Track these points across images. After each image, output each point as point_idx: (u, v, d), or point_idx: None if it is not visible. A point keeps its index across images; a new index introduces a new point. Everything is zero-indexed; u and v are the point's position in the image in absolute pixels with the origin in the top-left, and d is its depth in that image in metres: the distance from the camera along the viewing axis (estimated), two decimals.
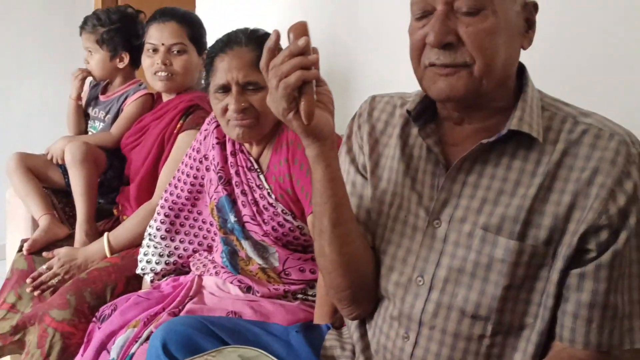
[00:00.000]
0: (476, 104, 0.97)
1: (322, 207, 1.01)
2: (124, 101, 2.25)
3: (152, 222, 1.75)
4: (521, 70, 1.02)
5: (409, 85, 1.94)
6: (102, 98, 2.33)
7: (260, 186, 1.54)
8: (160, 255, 1.71)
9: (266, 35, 1.54)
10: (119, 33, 2.21)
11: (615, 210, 0.90)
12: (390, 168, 1.09)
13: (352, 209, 1.08)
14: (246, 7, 2.63)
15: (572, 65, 1.61)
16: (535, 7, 0.98)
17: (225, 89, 1.48)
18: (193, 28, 2.02)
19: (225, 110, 1.48)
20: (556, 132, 0.97)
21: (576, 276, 0.93)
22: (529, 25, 0.98)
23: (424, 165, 1.05)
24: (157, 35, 1.98)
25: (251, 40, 1.49)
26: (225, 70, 1.47)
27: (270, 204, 1.52)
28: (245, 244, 1.55)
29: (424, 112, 1.05)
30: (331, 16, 2.26)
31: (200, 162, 1.68)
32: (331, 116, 0.96)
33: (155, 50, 1.99)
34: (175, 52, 1.98)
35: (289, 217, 1.51)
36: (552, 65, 1.60)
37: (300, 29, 0.89)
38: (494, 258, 0.95)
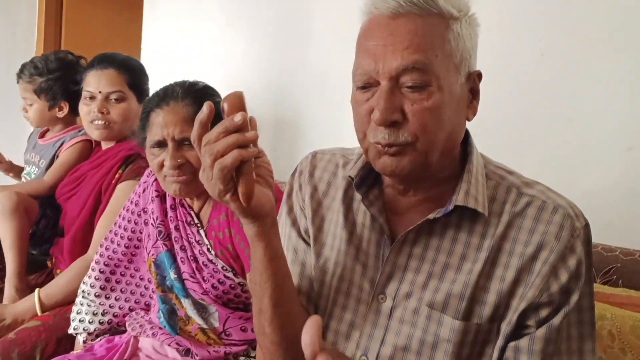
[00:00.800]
0: (422, 177, 0.95)
1: (262, 286, 0.95)
2: (59, 147, 2.16)
3: (86, 279, 1.66)
4: (465, 135, 1.00)
5: (351, 132, 1.96)
6: (40, 142, 2.25)
7: (200, 242, 1.48)
8: (94, 314, 1.62)
9: (205, 89, 1.51)
10: (58, 82, 2.15)
11: (556, 288, 0.89)
12: (334, 234, 1.04)
13: (294, 278, 1.03)
14: (192, 53, 2.61)
15: (510, 120, 1.64)
16: (479, 76, 0.96)
17: (161, 144, 1.44)
18: (133, 75, 1.97)
19: (161, 165, 1.44)
20: (500, 204, 0.95)
21: (512, 349, 0.91)
22: (473, 95, 0.96)
23: (368, 234, 1.01)
24: (94, 83, 1.92)
25: (188, 95, 1.45)
26: (160, 125, 1.43)
27: (210, 261, 1.46)
28: (185, 303, 1.49)
29: (367, 177, 1.02)
30: (280, 66, 2.27)
31: (139, 215, 1.62)
32: (271, 190, 0.91)
33: (92, 98, 1.94)
34: (113, 100, 1.93)
35: (230, 274, 1.45)
36: (493, 121, 1.63)
37: (236, 102, 0.82)
38: (440, 337, 0.92)
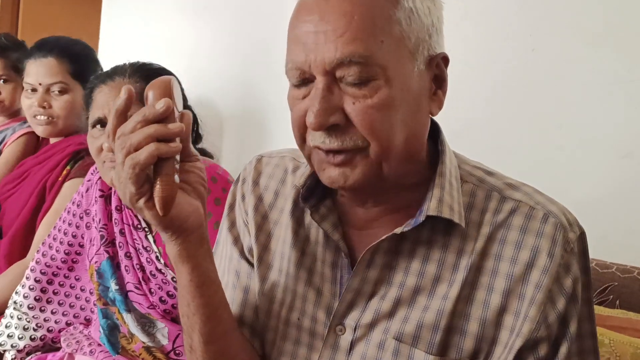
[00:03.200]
0: (380, 188, 0.79)
1: (190, 319, 0.79)
2: (2, 142, 1.97)
3: (19, 288, 1.47)
4: (435, 131, 0.84)
5: None
6: None
7: (148, 248, 1.31)
8: (25, 329, 1.43)
9: (160, 70, 1.36)
10: None
11: (554, 318, 0.76)
12: (282, 255, 0.87)
13: (235, 306, 0.87)
14: (155, 44, 2.45)
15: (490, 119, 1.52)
16: (444, 59, 0.78)
17: (101, 123, 1.28)
18: (77, 62, 1.78)
19: (100, 149, 1.27)
20: (480, 212, 0.80)
21: None
22: (438, 83, 0.79)
23: (322, 253, 0.84)
24: (34, 74, 1.76)
25: (137, 72, 1.30)
26: (102, 103, 1.27)
27: (159, 270, 1.29)
28: (128, 318, 1.31)
29: (317, 186, 0.83)
30: (246, 59, 2.14)
31: (81, 217, 1.44)
32: (201, 201, 0.75)
33: (34, 91, 1.76)
34: (55, 92, 1.76)
35: None
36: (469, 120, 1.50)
37: (162, 88, 0.69)
38: None
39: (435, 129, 0.84)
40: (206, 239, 0.78)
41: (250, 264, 0.91)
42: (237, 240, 0.93)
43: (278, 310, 0.86)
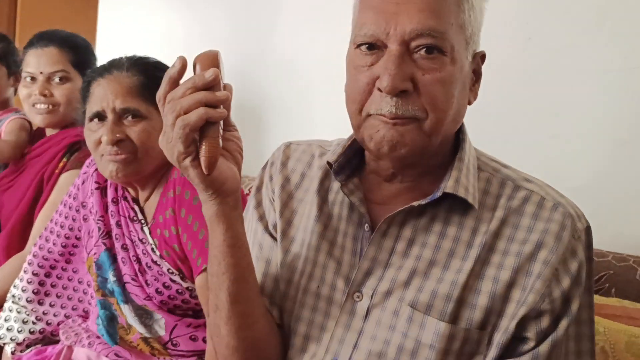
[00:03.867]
0: (416, 162, 0.85)
1: (219, 278, 0.84)
2: None
3: (17, 282, 1.47)
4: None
5: (324, 122, 1.82)
6: None
7: (144, 240, 1.31)
8: (24, 322, 1.43)
9: (156, 63, 1.36)
10: None
11: (558, 294, 0.80)
12: (305, 229, 0.93)
13: (258, 275, 0.91)
14: (150, 36, 2.45)
15: (492, 113, 1.51)
16: (482, 57, 0.88)
17: (100, 116, 1.28)
18: (77, 52, 1.79)
19: (98, 142, 1.27)
20: (494, 197, 0.86)
21: None
22: (476, 77, 0.88)
23: (345, 227, 0.91)
24: (34, 63, 1.75)
25: (135, 66, 1.31)
26: (100, 95, 1.27)
27: (155, 262, 1.29)
28: (125, 309, 1.32)
29: (347, 165, 0.91)
30: (242, 51, 2.13)
31: (77, 210, 1.44)
32: (238, 168, 0.81)
33: (33, 80, 1.76)
34: (56, 80, 1.75)
35: (176, 278, 1.28)
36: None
37: (209, 59, 0.75)
38: (421, 343, 0.81)
39: None
40: (239, 203, 0.83)
41: (274, 238, 0.96)
42: (262, 218, 0.98)
43: (298, 280, 0.91)
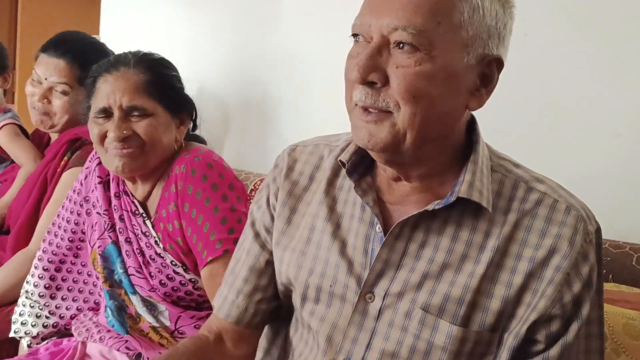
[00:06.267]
0: (407, 162, 0.85)
1: None
2: None
3: (29, 277, 1.51)
4: (472, 123, 0.90)
5: (325, 117, 1.84)
6: None
7: (147, 233, 1.35)
8: (38, 317, 1.47)
9: (161, 60, 1.39)
10: None
11: (569, 298, 0.82)
12: (313, 228, 0.94)
13: (240, 279, 0.97)
14: (154, 34, 2.47)
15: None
16: (499, 63, 0.84)
17: (106, 113, 1.31)
18: (86, 70, 1.79)
19: (104, 137, 1.30)
20: (507, 200, 0.86)
21: None
22: (485, 82, 0.84)
23: (356, 226, 0.91)
24: (43, 68, 1.81)
25: (141, 62, 1.33)
26: (107, 92, 1.30)
27: (158, 254, 1.33)
28: (134, 299, 1.35)
29: (360, 163, 0.91)
30: (242, 49, 2.14)
31: (81, 205, 1.47)
32: None
33: (39, 82, 1.81)
34: (58, 91, 1.80)
35: (180, 270, 1.32)
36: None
37: None
38: (433, 344, 0.83)
39: (472, 121, 0.90)
40: None
41: (264, 244, 1.00)
42: (253, 224, 1.02)
43: (307, 278, 0.92)
